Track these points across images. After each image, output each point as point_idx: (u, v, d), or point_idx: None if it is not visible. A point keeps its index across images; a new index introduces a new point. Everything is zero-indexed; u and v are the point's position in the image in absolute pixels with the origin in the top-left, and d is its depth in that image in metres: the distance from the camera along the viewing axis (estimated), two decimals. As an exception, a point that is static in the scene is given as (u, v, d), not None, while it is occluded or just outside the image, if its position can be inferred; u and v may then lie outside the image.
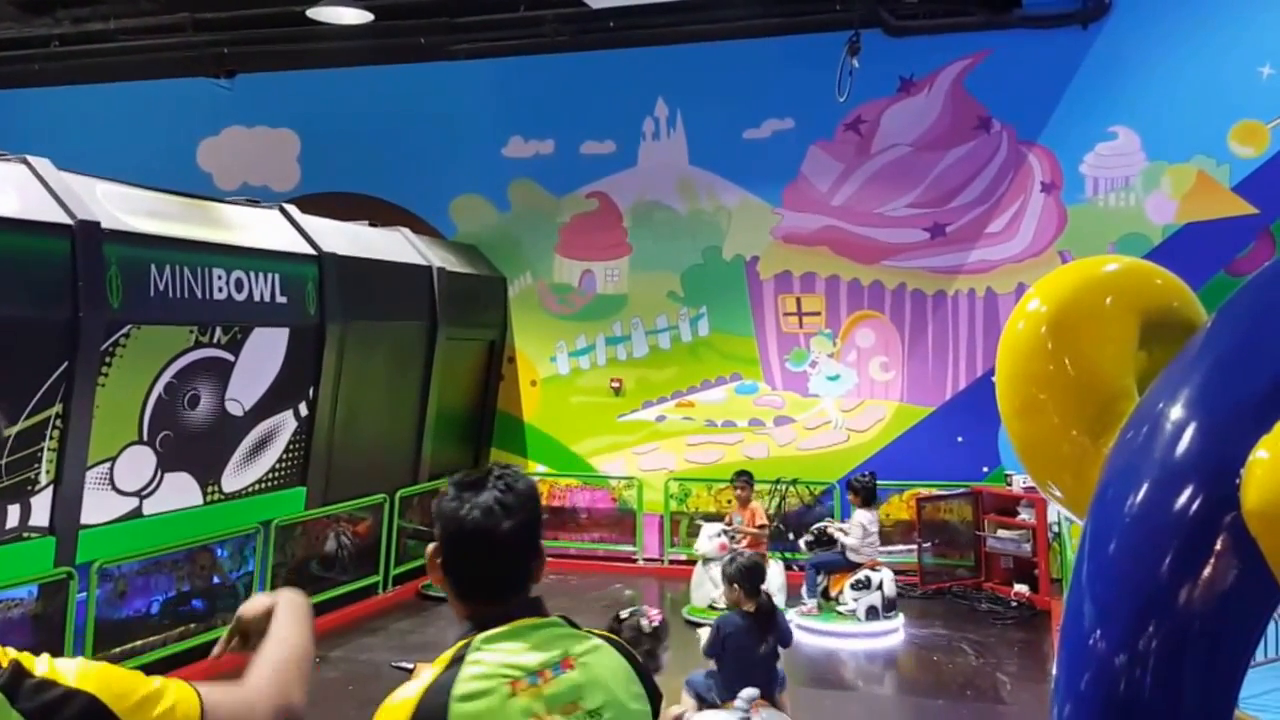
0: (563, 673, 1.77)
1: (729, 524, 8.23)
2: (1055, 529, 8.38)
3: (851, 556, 7.75)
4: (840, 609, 7.60)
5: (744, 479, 8.41)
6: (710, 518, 9.98)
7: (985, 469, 9.14)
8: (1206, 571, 1.82)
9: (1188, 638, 1.89)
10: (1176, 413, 1.86)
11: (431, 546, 1.84)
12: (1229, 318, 1.99)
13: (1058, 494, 2.16)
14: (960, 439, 9.31)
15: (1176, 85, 8.78)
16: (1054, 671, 2.16)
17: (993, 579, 8.69)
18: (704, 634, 5.22)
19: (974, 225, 9.36)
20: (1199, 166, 8.78)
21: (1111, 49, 8.96)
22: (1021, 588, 8.32)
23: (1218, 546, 1.79)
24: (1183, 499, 1.81)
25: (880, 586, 7.57)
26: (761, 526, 8.24)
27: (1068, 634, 2.11)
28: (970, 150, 9.36)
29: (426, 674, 1.74)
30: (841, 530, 7.89)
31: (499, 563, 1.81)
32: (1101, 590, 2.04)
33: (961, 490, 9.04)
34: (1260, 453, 1.72)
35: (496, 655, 1.74)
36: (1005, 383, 2.13)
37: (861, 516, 7.80)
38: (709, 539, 7.91)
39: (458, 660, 1.73)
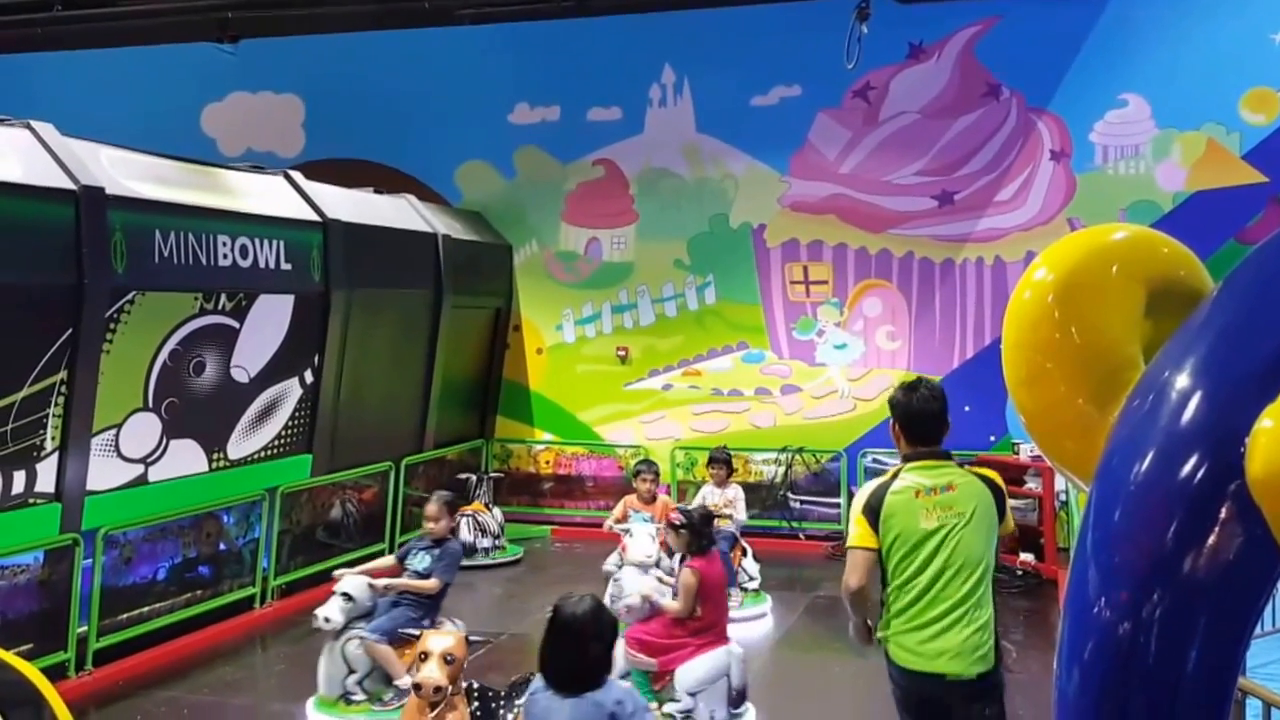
0: (947, 492, 3.58)
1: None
2: (1062, 498, 8.38)
3: (736, 531, 7.43)
4: (749, 585, 7.29)
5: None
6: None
7: (992, 438, 9.14)
8: (1211, 539, 1.81)
9: (1192, 605, 1.89)
10: (1182, 381, 1.85)
11: (892, 421, 3.75)
12: (1235, 287, 1.97)
13: (1064, 462, 2.15)
14: (967, 408, 9.26)
15: (1187, 52, 8.67)
16: (1058, 640, 2.16)
17: (998, 548, 8.69)
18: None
19: (983, 193, 9.28)
20: (1209, 134, 8.69)
21: (1122, 15, 8.84)
22: (1027, 556, 8.32)
23: (1222, 514, 1.79)
24: (1188, 467, 1.81)
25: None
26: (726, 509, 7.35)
27: (1072, 602, 2.12)
28: (979, 117, 9.26)
29: (877, 479, 3.68)
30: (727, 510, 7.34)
31: (926, 427, 3.66)
32: (1106, 558, 2.03)
33: (968, 459, 9.02)
34: (1265, 421, 1.72)
35: (912, 476, 3.58)
36: (1012, 351, 2.11)
37: (739, 490, 7.66)
38: (648, 539, 6.47)
39: (894, 476, 3.61)
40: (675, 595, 5.14)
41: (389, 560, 5.73)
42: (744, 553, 7.44)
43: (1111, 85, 8.90)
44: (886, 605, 3.59)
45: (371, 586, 5.33)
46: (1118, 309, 2.01)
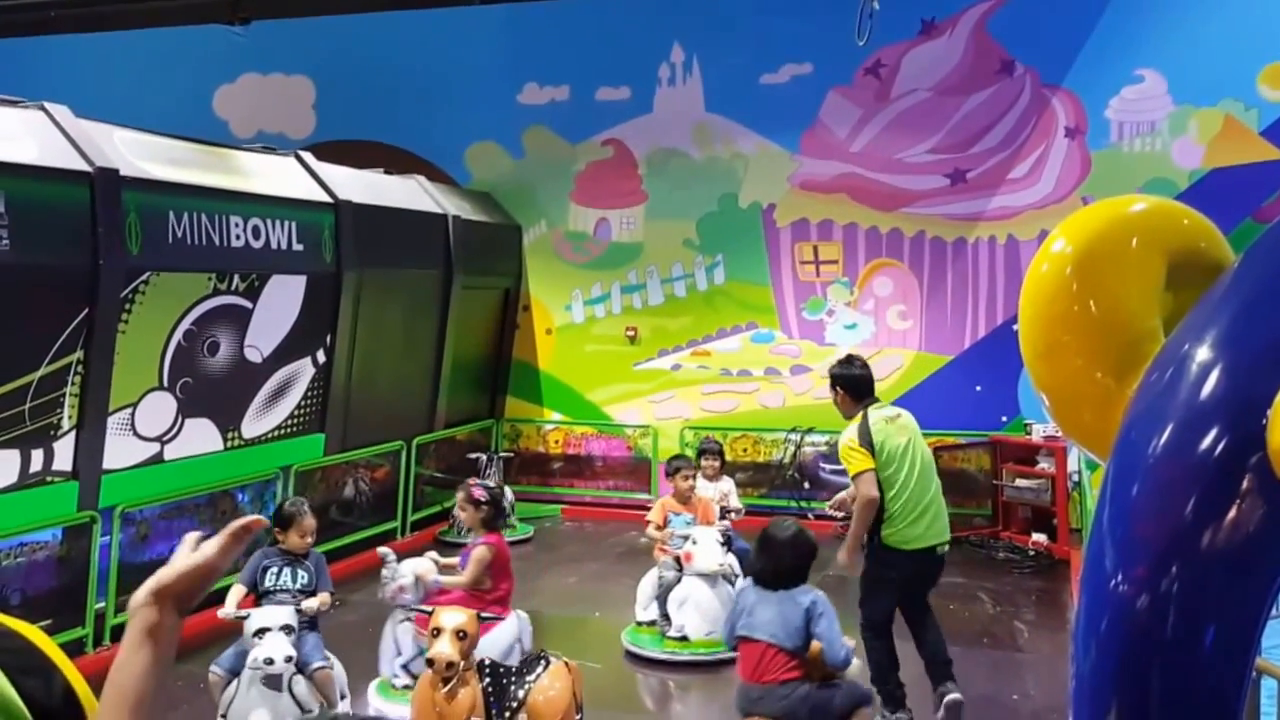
0: (898, 419, 5.00)
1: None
2: (1075, 478, 8.36)
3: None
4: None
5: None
6: (730, 467, 10.06)
7: (1004, 418, 9.11)
8: (1230, 512, 1.80)
9: (1211, 578, 1.88)
10: (1202, 353, 1.83)
11: (838, 390, 5.14)
12: (1256, 258, 1.95)
13: (1081, 437, 2.14)
14: (979, 388, 9.27)
15: (1204, 27, 8.57)
16: (1073, 616, 2.16)
17: (1011, 528, 8.71)
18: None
19: (996, 171, 9.22)
20: (1227, 110, 8.59)
21: (1139, -11, 8.75)
22: (1040, 537, 8.32)
23: (1242, 487, 1.77)
24: (1207, 439, 1.79)
25: None
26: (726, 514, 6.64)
27: (1089, 577, 2.11)
28: (992, 94, 9.18)
29: (853, 423, 4.99)
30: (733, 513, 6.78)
31: (868, 385, 5.11)
32: (1123, 532, 2.02)
33: (979, 439, 9.02)
34: (1288, 393, 1.70)
35: (876, 413, 4.98)
36: (1029, 325, 2.10)
37: (733, 485, 7.12)
38: (717, 545, 5.96)
39: (864, 417, 4.94)
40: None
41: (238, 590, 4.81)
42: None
43: (1127, 61, 8.81)
44: (887, 513, 4.87)
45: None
46: (1137, 281, 1.99)
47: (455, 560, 5.39)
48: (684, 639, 5.89)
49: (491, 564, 5.14)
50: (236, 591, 4.75)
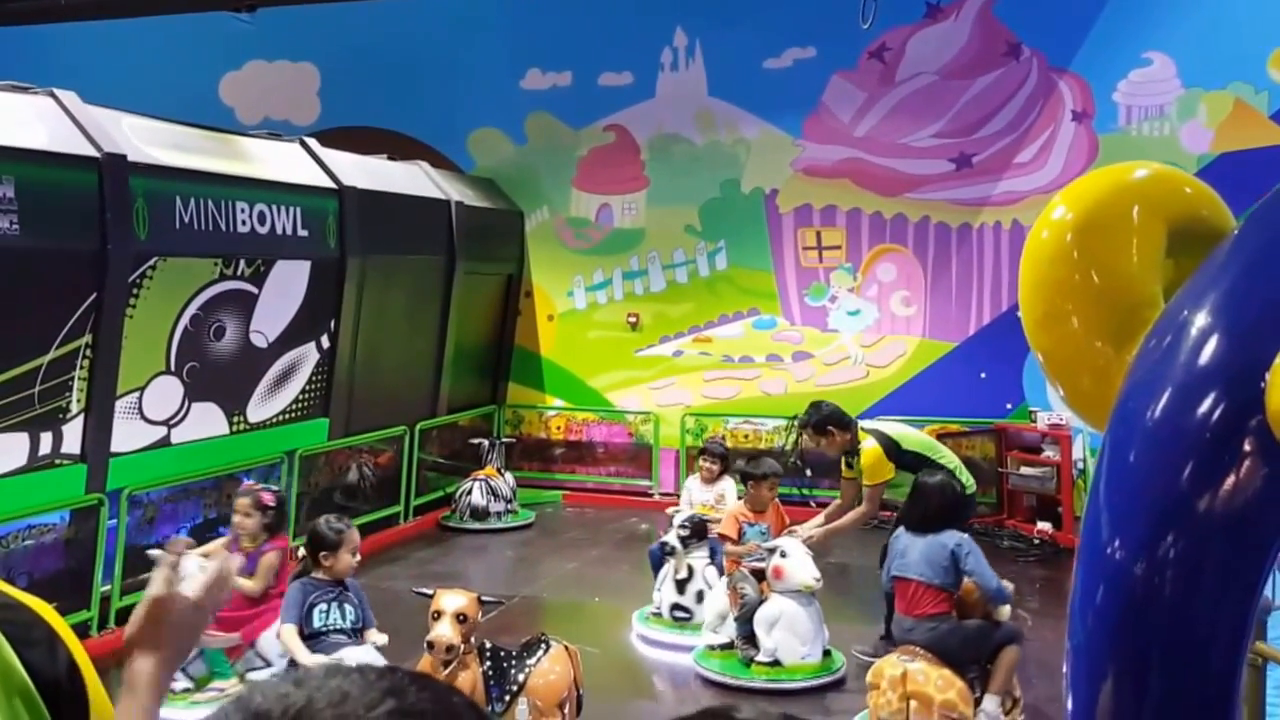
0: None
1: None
2: (1080, 466, 8.34)
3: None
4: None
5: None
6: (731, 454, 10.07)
7: (1009, 405, 9.09)
8: (1229, 476, 1.80)
9: (1209, 544, 1.88)
10: (1201, 319, 1.84)
11: (830, 432, 5.80)
12: (1256, 225, 1.95)
13: (1081, 404, 2.15)
14: (983, 375, 9.25)
15: (1214, 9, 8.50)
16: (1071, 588, 2.16)
17: (1015, 516, 8.69)
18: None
19: (1002, 155, 9.18)
20: (1236, 94, 8.53)
21: (1147, -29, 8.69)
22: (1044, 525, 8.29)
23: (1241, 451, 1.77)
24: (1206, 404, 1.79)
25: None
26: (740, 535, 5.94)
27: (1086, 546, 2.11)
28: (999, 78, 9.13)
29: (871, 440, 5.69)
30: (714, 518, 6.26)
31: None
32: (1120, 500, 2.03)
33: (984, 427, 9.01)
34: (1287, 357, 1.70)
35: (874, 426, 5.93)
36: (1029, 292, 2.10)
37: (730, 485, 6.61)
38: (808, 559, 5.39)
39: (872, 432, 5.76)
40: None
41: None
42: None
43: (1135, 44, 8.74)
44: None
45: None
46: (1138, 248, 1.99)
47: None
48: (775, 663, 5.27)
49: (280, 569, 5.02)
50: (292, 634, 4.37)
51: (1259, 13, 8.35)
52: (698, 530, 5.91)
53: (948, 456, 5.79)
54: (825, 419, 5.67)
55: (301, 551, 4.80)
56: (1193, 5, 8.58)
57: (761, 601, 5.33)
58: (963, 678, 4.40)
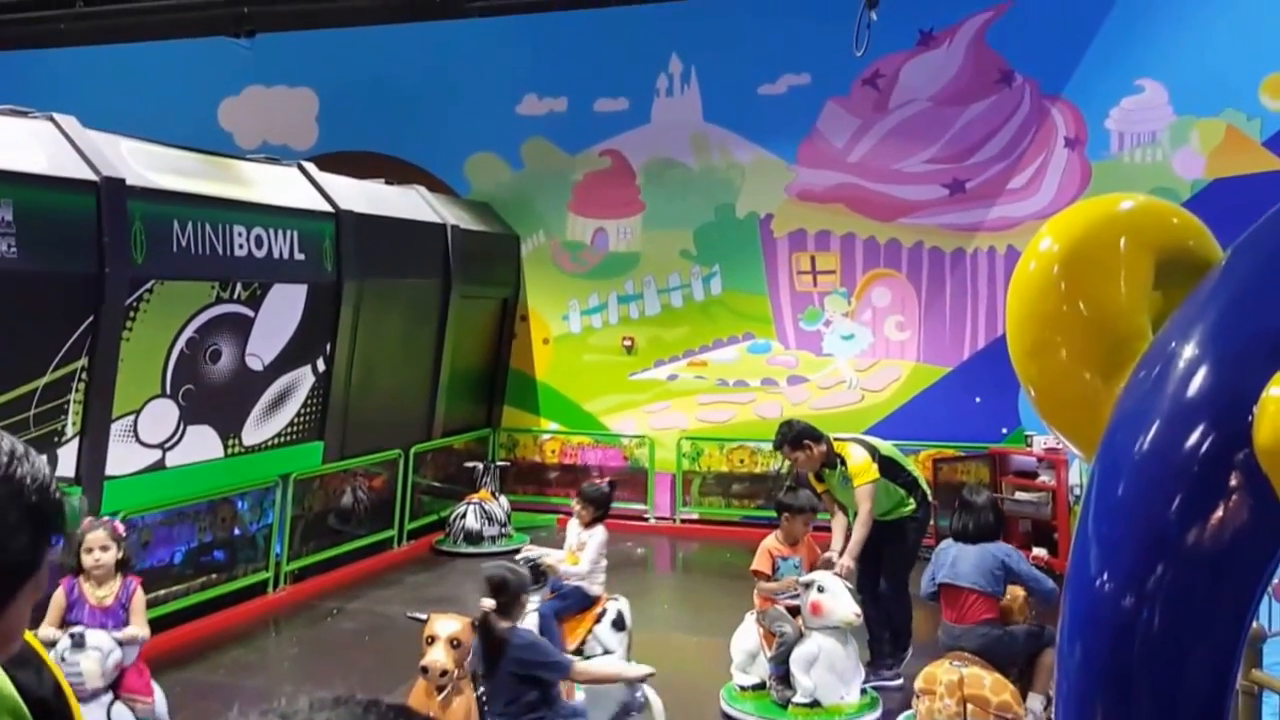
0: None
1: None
2: (1076, 491, 8.32)
3: (591, 588, 5.47)
4: (596, 656, 5.18)
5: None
6: (727, 478, 10.00)
7: (1004, 430, 9.10)
8: (1217, 509, 1.80)
9: (1197, 576, 1.88)
10: (1189, 350, 1.85)
11: (808, 447, 5.81)
12: (1244, 256, 1.97)
13: (1070, 435, 2.16)
14: (978, 399, 9.28)
15: (1205, 37, 8.59)
16: (1060, 617, 2.16)
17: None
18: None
19: (995, 181, 9.25)
20: (1229, 121, 8.61)
21: None
22: (1040, 551, 8.26)
23: (1229, 484, 1.78)
24: (1194, 436, 1.80)
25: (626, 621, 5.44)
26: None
27: (1074, 577, 2.11)
28: (991, 104, 9.22)
29: (859, 451, 5.84)
30: (555, 562, 5.51)
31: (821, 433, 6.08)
32: (1109, 530, 2.03)
33: (979, 451, 9.00)
34: (1273, 389, 1.70)
35: (853, 439, 6.10)
36: (1016, 323, 2.11)
37: (598, 536, 5.61)
38: (848, 594, 5.26)
39: (854, 443, 5.96)
40: None
41: None
42: (598, 619, 5.38)
43: (1127, 71, 8.83)
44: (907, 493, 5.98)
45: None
46: (1126, 280, 2.00)
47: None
48: (815, 704, 5.08)
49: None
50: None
51: (1250, 40, 8.45)
52: (533, 573, 5.16)
53: (912, 467, 6.16)
54: (800, 434, 5.81)
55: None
56: (1184, 33, 8.68)
57: (798, 639, 5.15)
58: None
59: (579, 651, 5.03)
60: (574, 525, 5.80)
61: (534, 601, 5.00)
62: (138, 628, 4.49)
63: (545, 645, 4.22)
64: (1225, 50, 8.53)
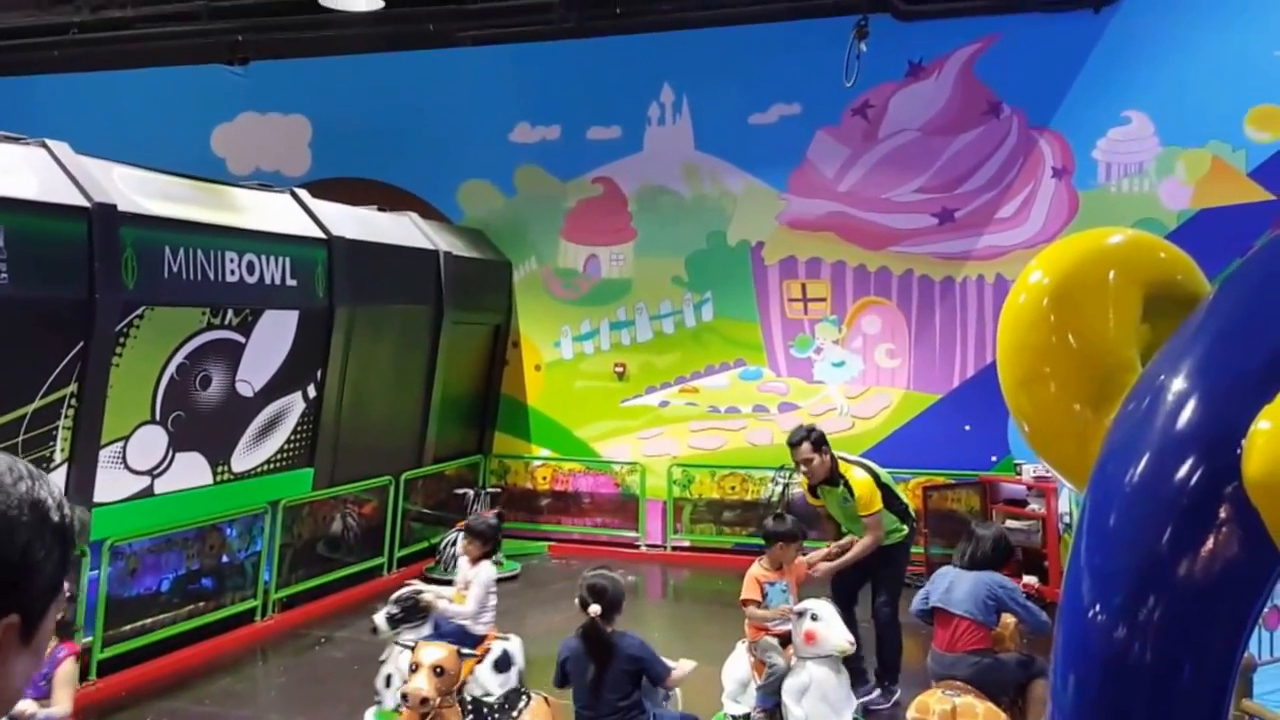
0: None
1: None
2: (1066, 519, 8.34)
3: (474, 628, 5.27)
4: (475, 696, 4.84)
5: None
6: (718, 505, 9.98)
7: (994, 458, 9.12)
8: (1207, 542, 1.82)
9: (1188, 608, 1.89)
10: (1178, 383, 1.87)
11: (824, 451, 6.02)
12: (1232, 289, 1.99)
13: (1060, 467, 2.17)
14: (967, 427, 9.31)
15: (1191, 69, 8.72)
16: (1053, 648, 2.17)
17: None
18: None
19: (984, 211, 9.33)
20: (1214, 152, 8.72)
21: (1124, 32, 8.90)
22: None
23: (1219, 517, 1.79)
24: (1184, 469, 1.81)
25: (512, 661, 5.25)
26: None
27: (1066, 608, 2.12)
28: (980, 135, 9.32)
29: (861, 472, 5.98)
30: (435, 599, 5.29)
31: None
32: (1100, 562, 2.04)
33: (968, 479, 9.02)
34: (1262, 423, 1.72)
35: (855, 460, 6.23)
36: (1007, 355, 2.13)
37: (484, 573, 5.37)
38: (840, 621, 5.10)
39: (857, 466, 6.08)
40: None
41: None
42: (479, 659, 5.12)
43: (1114, 102, 8.95)
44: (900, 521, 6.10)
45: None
46: (1115, 313, 2.03)
47: None
48: None
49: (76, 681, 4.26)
50: None
51: (1235, 72, 8.58)
52: (408, 611, 5.11)
53: (901, 494, 6.34)
54: (822, 437, 5.99)
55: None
56: (1170, 66, 8.80)
57: (788, 670, 5.04)
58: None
59: (458, 693, 4.53)
60: (464, 562, 5.52)
61: (410, 639, 4.74)
62: (57, 705, 3.87)
63: (651, 648, 4.45)
64: (1210, 82, 8.65)
